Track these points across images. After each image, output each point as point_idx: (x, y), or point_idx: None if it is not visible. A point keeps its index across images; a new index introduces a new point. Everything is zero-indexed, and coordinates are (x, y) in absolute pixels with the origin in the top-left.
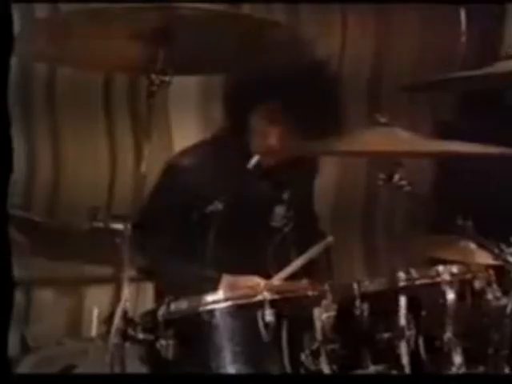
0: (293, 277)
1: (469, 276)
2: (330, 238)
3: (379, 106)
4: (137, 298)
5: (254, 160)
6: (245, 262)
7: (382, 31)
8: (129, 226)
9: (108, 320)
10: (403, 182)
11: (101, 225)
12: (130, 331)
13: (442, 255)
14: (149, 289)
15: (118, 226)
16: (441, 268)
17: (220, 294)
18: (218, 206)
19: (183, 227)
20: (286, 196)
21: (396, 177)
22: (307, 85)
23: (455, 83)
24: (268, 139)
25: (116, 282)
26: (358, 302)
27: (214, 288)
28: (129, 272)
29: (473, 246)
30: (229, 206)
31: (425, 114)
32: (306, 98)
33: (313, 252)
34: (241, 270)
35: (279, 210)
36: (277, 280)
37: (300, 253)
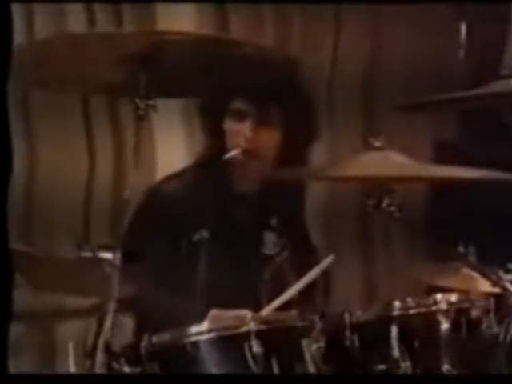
0: (287, 305)
1: (466, 305)
2: (331, 257)
3: (373, 127)
4: (113, 330)
5: (233, 152)
6: (236, 294)
7: (376, 46)
8: (118, 254)
9: (91, 353)
10: (392, 208)
11: (88, 254)
12: (115, 364)
13: (444, 283)
14: (126, 321)
15: (107, 255)
16: (439, 297)
17: (204, 326)
18: (204, 234)
19: (170, 256)
20: (274, 222)
21: (385, 202)
22: (273, 80)
23: (453, 103)
24: (240, 135)
25: (94, 314)
26: (347, 333)
27: (199, 321)
28: (113, 303)
29: (475, 273)
30: (215, 233)
31: (422, 134)
32: (274, 92)
33: (311, 275)
34: (231, 302)
35: (269, 236)
36: (266, 311)
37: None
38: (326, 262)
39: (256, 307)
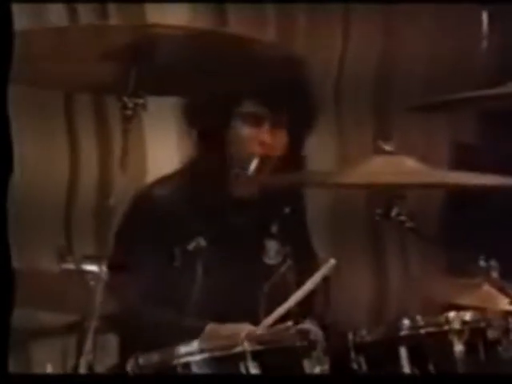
0: (285, 318)
1: (483, 324)
2: (331, 262)
3: (385, 129)
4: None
5: (255, 163)
6: (235, 307)
7: (389, 41)
8: (104, 267)
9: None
10: (403, 218)
11: (71, 266)
12: None
13: (461, 301)
14: (109, 340)
15: (92, 267)
16: (451, 315)
17: (195, 345)
18: (200, 242)
19: (163, 267)
20: (274, 229)
21: (394, 211)
22: (280, 79)
23: (473, 103)
24: (255, 141)
25: (75, 332)
26: (353, 354)
27: (195, 338)
28: (95, 320)
29: (495, 290)
30: (213, 242)
31: (439, 136)
32: (284, 92)
33: (310, 284)
34: (230, 316)
35: (271, 244)
36: (262, 326)
37: None
38: (325, 268)
39: (257, 320)
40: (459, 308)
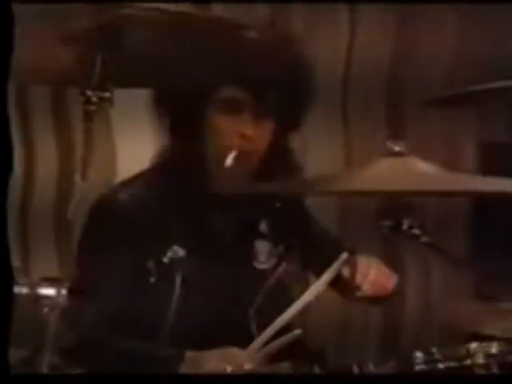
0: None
1: None
2: (344, 255)
3: (398, 128)
4: None
5: (231, 158)
6: (222, 326)
7: (404, 28)
8: (63, 291)
9: None
10: (416, 231)
11: (24, 290)
12: None
13: (487, 330)
14: None
15: (48, 291)
16: (473, 346)
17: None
18: (177, 251)
19: (133, 285)
20: (263, 227)
21: (405, 223)
22: (269, 63)
23: (500, 94)
24: (234, 132)
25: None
26: None
27: (174, 370)
28: (51, 355)
29: None
30: (192, 250)
31: (461, 135)
32: (272, 78)
33: (309, 294)
34: (215, 339)
35: (261, 245)
36: (250, 352)
37: None
38: (338, 263)
39: (248, 342)
40: (484, 338)
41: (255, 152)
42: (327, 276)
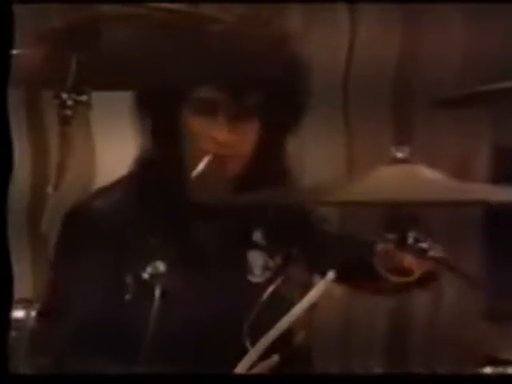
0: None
1: None
2: (330, 275)
3: (404, 132)
4: None
5: (201, 166)
6: (209, 349)
7: (409, 27)
8: (33, 313)
9: None
10: (423, 245)
11: None
12: None
13: (502, 353)
14: None
15: (17, 314)
16: (487, 370)
17: None
18: (159, 266)
19: (109, 305)
20: (258, 237)
21: (410, 237)
22: (259, 62)
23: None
24: (208, 136)
25: None
26: None
27: None
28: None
29: None
30: (174, 264)
31: (476, 138)
32: (260, 78)
33: (301, 305)
34: (203, 364)
35: (255, 257)
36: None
37: None
38: (322, 284)
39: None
40: (499, 362)
41: (236, 158)
42: (310, 297)
